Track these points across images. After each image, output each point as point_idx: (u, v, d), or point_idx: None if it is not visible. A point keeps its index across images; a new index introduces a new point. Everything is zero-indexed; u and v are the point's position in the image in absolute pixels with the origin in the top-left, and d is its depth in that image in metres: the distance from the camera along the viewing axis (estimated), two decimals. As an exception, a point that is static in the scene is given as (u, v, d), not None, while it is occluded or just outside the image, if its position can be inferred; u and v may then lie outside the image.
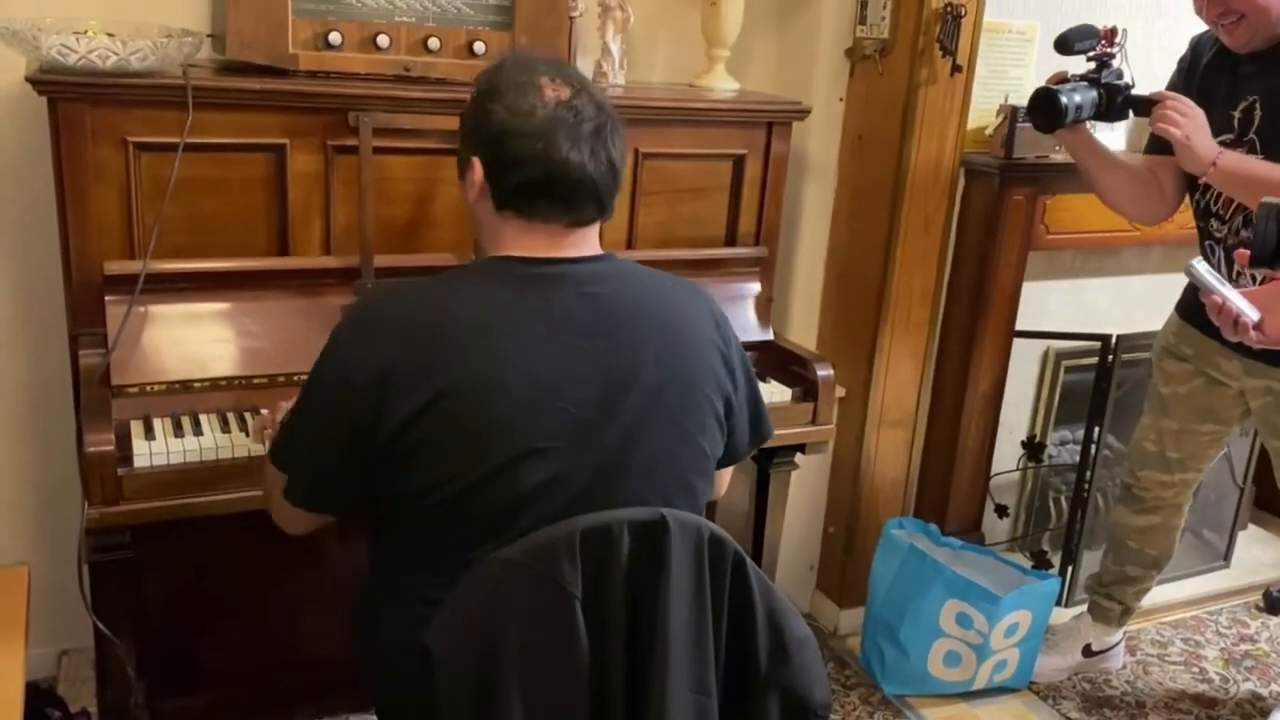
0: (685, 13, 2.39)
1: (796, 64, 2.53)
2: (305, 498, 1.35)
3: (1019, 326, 2.73)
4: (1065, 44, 2.12)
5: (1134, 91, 2.13)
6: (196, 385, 1.78)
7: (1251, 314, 1.67)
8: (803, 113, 2.27)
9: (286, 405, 1.42)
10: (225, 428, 1.74)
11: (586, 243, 1.35)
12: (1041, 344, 2.93)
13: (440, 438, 1.23)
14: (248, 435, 1.71)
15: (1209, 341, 2.23)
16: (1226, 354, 2.21)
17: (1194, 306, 2.27)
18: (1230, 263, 2.12)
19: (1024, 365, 2.90)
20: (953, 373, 2.69)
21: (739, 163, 2.24)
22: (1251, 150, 2.03)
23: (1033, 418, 3.02)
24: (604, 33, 2.20)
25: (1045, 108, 2.08)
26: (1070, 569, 2.85)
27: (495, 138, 1.30)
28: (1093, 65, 2.13)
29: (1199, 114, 2.00)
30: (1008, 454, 2.94)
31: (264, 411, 1.72)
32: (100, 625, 1.64)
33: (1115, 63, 2.14)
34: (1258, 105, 2.04)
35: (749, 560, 1.28)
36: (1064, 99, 2.06)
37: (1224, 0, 1.97)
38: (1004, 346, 2.72)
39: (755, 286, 2.29)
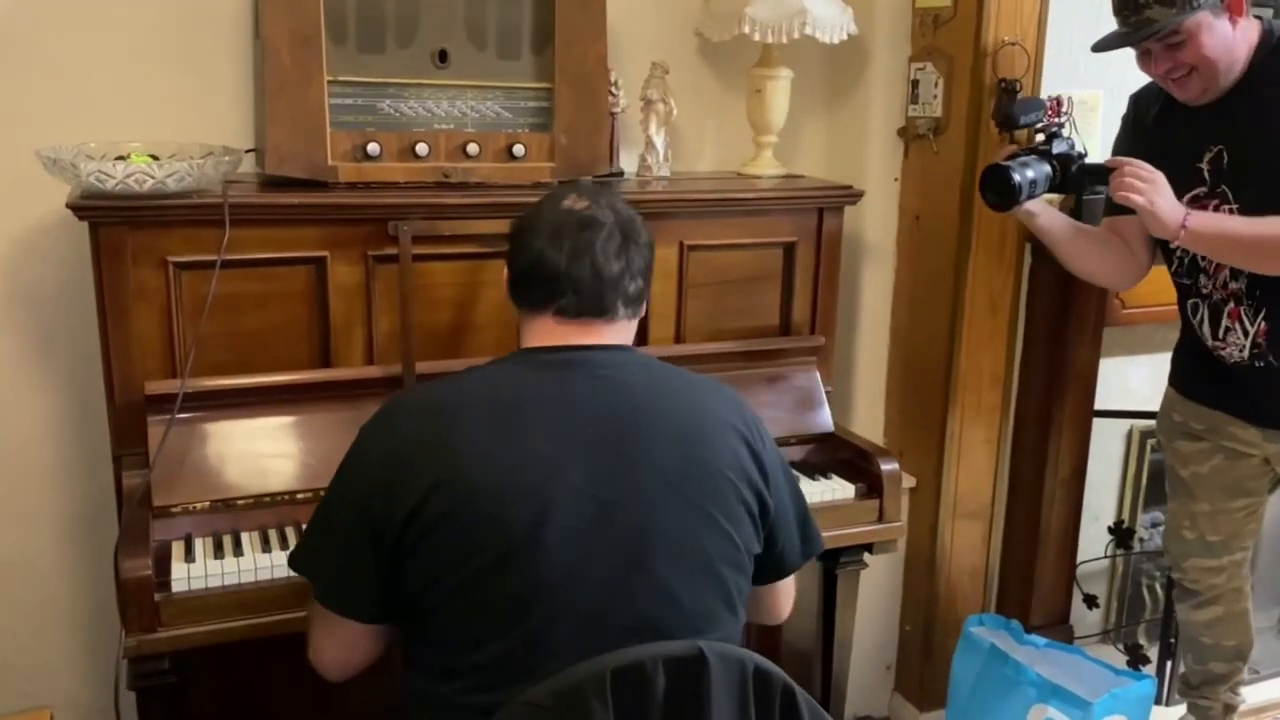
0: (731, 101, 2.36)
1: (847, 146, 2.47)
2: (336, 597, 1.34)
3: (1098, 406, 2.60)
4: (1010, 119, 2.06)
5: (1088, 160, 2.04)
6: (239, 503, 1.76)
7: None
8: (854, 196, 2.20)
9: None
10: (266, 546, 1.70)
11: (606, 336, 1.39)
12: (1125, 423, 2.79)
13: (451, 519, 1.23)
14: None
15: (1218, 414, 2.11)
16: (1240, 423, 2.09)
17: (1194, 382, 2.16)
18: (1216, 319, 2.01)
19: (1107, 446, 2.76)
20: (1030, 458, 2.56)
21: (790, 250, 2.17)
22: (1224, 201, 1.92)
23: (1119, 501, 2.87)
24: (647, 126, 2.18)
25: (998, 186, 1.96)
26: (1170, 663, 2.66)
27: (512, 235, 1.44)
28: (1042, 138, 2.05)
29: (1159, 177, 1.88)
30: (1094, 540, 2.78)
31: None
32: (141, 758, 1.60)
33: (1065, 132, 2.07)
34: (1224, 154, 1.93)
35: (799, 691, 1.19)
36: (1016, 175, 1.94)
37: (1171, 55, 1.88)
38: (1084, 428, 2.58)
39: (813, 376, 2.20)
